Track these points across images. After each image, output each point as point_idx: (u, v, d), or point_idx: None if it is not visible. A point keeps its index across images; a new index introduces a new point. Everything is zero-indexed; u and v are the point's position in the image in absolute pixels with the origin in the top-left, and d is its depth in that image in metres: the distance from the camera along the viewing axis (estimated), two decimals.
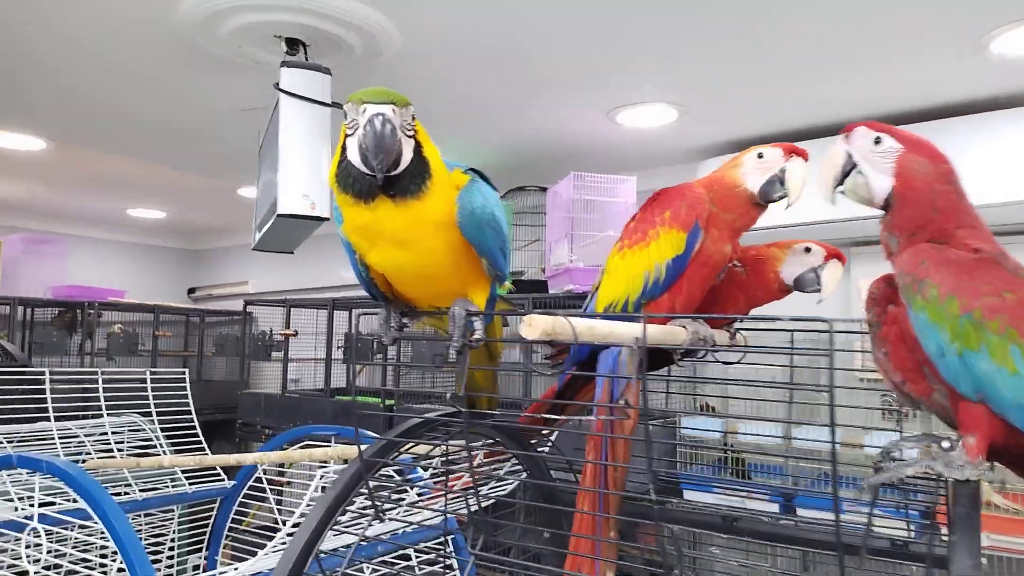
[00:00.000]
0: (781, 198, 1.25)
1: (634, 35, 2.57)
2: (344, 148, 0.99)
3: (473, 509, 1.06)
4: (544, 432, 1.63)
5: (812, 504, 2.94)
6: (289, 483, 2.75)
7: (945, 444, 1.03)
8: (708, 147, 3.74)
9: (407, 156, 0.98)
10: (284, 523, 1.74)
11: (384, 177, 0.95)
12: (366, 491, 1.13)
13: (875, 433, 2.23)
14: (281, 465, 2.57)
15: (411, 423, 1.18)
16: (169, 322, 6.24)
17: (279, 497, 2.56)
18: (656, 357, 1.50)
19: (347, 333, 4.54)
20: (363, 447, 1.15)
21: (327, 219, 2.25)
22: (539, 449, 1.68)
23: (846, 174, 1.08)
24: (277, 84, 2.31)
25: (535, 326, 0.90)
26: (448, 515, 1.47)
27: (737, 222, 1.30)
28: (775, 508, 3.20)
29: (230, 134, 3.75)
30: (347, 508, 1.15)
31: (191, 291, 7.38)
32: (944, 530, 0.97)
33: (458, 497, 1.38)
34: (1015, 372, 0.88)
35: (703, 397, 3.68)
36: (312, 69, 2.36)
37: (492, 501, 1.89)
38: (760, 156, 1.27)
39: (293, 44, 2.55)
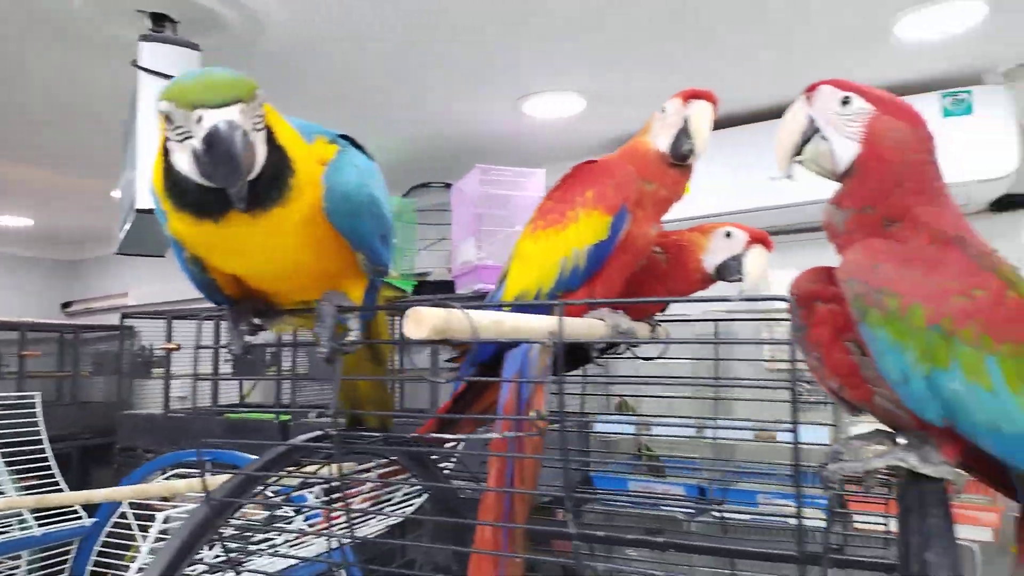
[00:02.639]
0: (690, 150, 1.11)
1: (540, 19, 2.43)
2: (167, 152, 0.74)
3: (347, 542, 0.85)
4: (448, 445, 1.44)
5: (734, 499, 2.87)
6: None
7: (901, 441, 0.91)
8: (620, 138, 3.64)
9: (260, 157, 0.74)
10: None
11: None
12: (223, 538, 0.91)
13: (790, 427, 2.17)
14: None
15: (273, 453, 0.96)
16: (40, 340, 5.65)
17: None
18: (572, 354, 1.34)
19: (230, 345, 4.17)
20: (220, 484, 0.92)
21: None
22: (440, 465, 1.49)
23: (806, 141, 0.94)
24: (135, 61, 2.02)
25: (422, 322, 0.71)
26: (335, 548, 1.26)
27: (660, 192, 1.15)
28: (695, 507, 3.12)
29: (100, 127, 3.36)
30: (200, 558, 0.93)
31: (66, 305, 6.75)
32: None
33: (351, 523, 1.16)
34: (990, 389, 0.74)
35: (619, 395, 3.60)
36: (177, 44, 2.07)
37: (396, 521, 1.68)
38: (662, 111, 1.14)
39: (159, 20, 2.26)
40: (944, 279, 0.78)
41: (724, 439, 3.04)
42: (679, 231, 1.32)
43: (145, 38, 2.05)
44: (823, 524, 1.04)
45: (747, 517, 2.57)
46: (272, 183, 0.75)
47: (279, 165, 0.76)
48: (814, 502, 1.26)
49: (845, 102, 0.90)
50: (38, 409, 2.33)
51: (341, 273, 0.85)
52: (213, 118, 0.69)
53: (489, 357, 1.21)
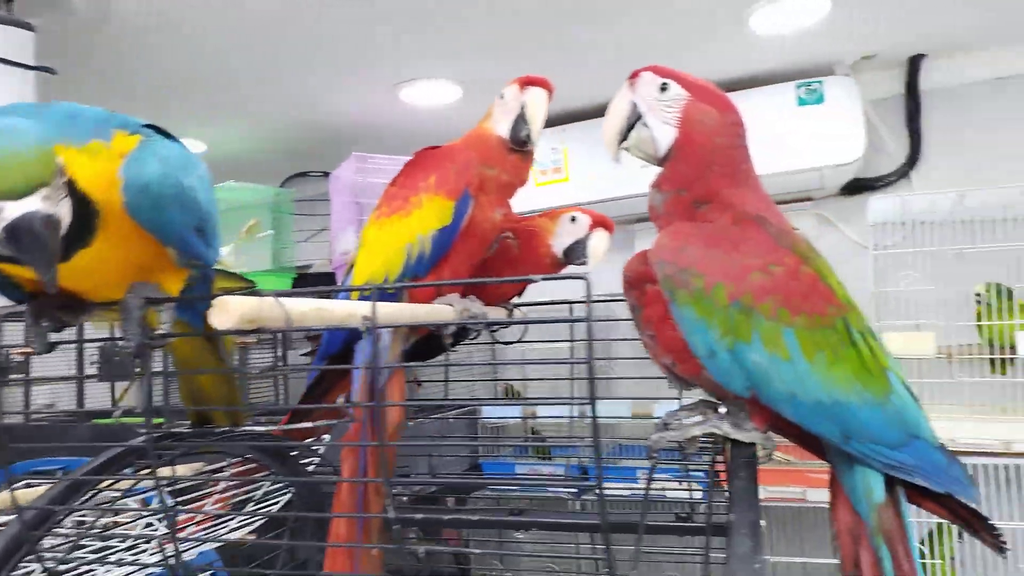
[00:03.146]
0: (527, 136, 1.13)
1: (417, 5, 2.40)
2: None
3: (172, 561, 0.81)
4: (307, 440, 1.41)
5: (616, 476, 2.97)
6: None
7: (722, 410, 0.96)
8: None
9: (67, 220, 0.69)
10: None
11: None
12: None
13: (664, 403, 2.27)
14: None
15: (104, 457, 0.91)
16: None
17: None
18: (430, 342, 1.34)
19: (103, 346, 3.93)
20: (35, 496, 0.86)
21: None
22: (304, 460, 1.46)
23: (631, 127, 0.97)
24: None
25: (229, 311, 0.69)
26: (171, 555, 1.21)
27: (503, 177, 1.17)
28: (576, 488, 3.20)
29: None
30: None
31: None
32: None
33: (175, 534, 1.12)
34: (788, 359, 0.80)
35: (504, 381, 3.63)
36: (7, 24, 1.91)
37: (259, 521, 1.63)
38: (502, 97, 1.15)
39: None
40: (745, 257, 0.82)
41: (604, 418, 3.13)
42: (529, 217, 1.34)
43: None
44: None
45: (627, 493, 2.68)
46: (79, 234, 0.72)
47: (86, 215, 0.72)
48: (689, 475, 1.33)
49: (663, 88, 0.94)
50: None
51: (153, 267, 0.81)
52: (13, 211, 0.64)
53: (340, 347, 1.19)
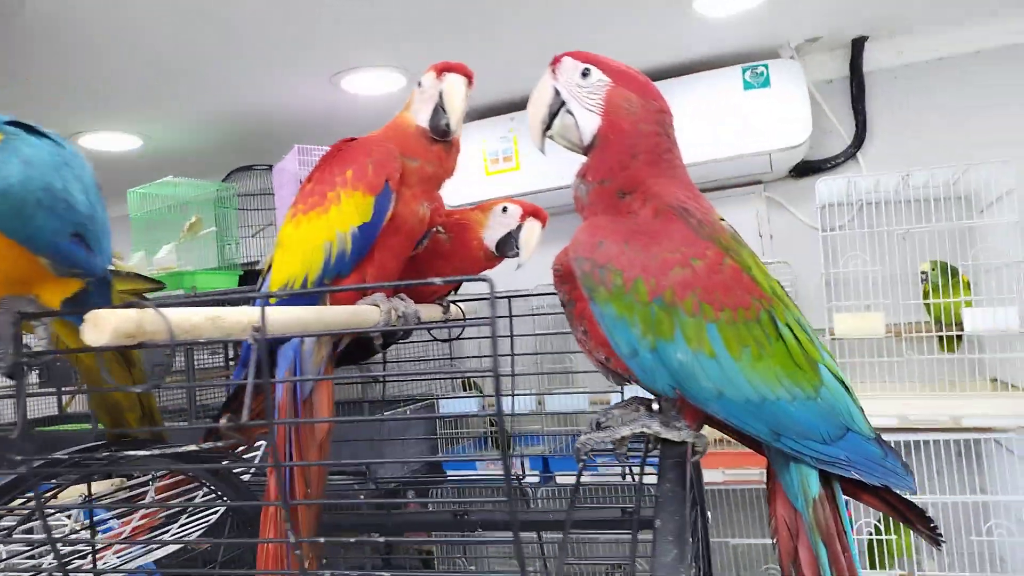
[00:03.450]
0: (447, 125, 1.08)
1: None
2: None
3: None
4: (239, 449, 1.34)
5: (565, 468, 2.95)
6: None
7: (655, 407, 0.93)
8: None
9: None
10: None
11: None
12: None
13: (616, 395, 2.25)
14: None
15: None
16: None
17: None
18: (358, 345, 1.29)
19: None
20: None
21: None
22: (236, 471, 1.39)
23: (555, 114, 0.93)
24: None
25: (101, 326, 0.62)
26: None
27: (427, 169, 1.11)
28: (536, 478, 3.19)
29: None
30: None
31: None
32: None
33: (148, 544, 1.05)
34: (713, 356, 0.76)
35: (466, 375, 3.59)
36: None
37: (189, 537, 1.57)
38: (420, 85, 1.11)
39: None
40: (665, 251, 0.78)
41: (560, 413, 3.11)
42: (461, 210, 1.29)
43: None
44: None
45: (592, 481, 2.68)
46: None
47: None
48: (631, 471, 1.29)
49: (585, 74, 0.89)
50: None
51: (26, 279, 0.74)
52: None
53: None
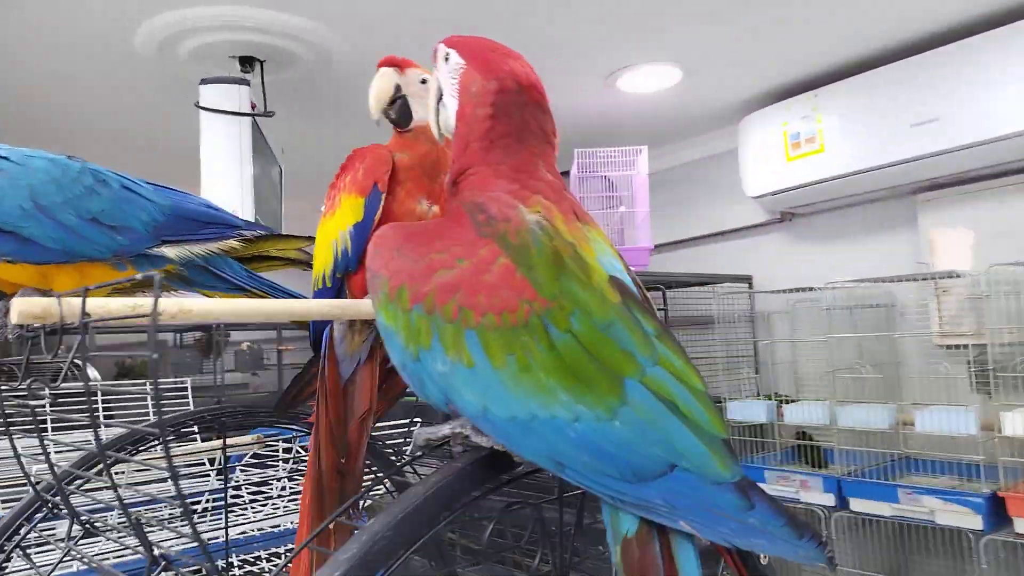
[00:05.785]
0: (393, 118, 1.13)
1: None
2: None
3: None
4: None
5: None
6: None
7: None
8: (715, 108, 3.44)
9: None
10: None
11: None
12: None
13: None
14: None
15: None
16: (292, 338, 6.73)
17: None
18: None
19: None
20: None
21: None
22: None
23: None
24: (197, 103, 2.42)
25: (13, 308, 0.85)
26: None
27: (423, 162, 1.15)
28: None
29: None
30: None
31: None
32: None
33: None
34: (471, 365, 0.67)
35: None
36: (229, 82, 2.43)
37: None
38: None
39: (247, 62, 2.66)
40: (435, 254, 0.71)
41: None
42: None
43: (204, 81, 2.43)
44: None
45: None
46: None
47: None
48: None
49: (447, 59, 0.85)
50: None
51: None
52: None
53: (312, 336, 1.32)
